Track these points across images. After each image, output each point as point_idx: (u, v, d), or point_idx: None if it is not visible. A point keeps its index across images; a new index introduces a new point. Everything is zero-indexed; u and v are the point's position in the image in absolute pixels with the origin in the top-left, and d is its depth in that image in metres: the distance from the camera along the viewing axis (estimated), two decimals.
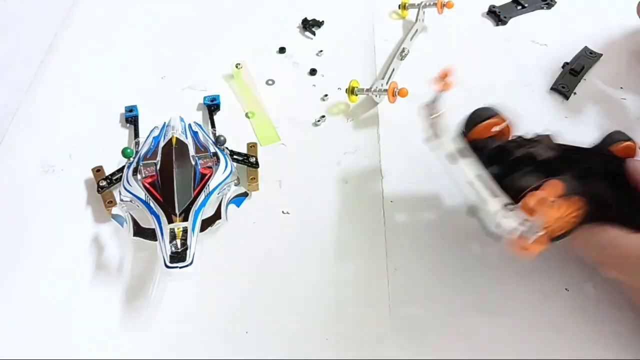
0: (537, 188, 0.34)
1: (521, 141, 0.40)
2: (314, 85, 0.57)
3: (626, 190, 0.40)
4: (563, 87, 0.56)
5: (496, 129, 0.41)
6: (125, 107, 0.54)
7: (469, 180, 0.37)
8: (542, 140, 0.41)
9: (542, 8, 0.66)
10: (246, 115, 0.54)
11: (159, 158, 0.45)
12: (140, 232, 0.41)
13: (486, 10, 0.65)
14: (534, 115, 0.48)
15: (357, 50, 0.60)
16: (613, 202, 0.38)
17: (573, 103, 0.55)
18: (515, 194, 0.35)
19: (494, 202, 0.35)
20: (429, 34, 0.63)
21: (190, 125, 0.49)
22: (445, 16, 0.63)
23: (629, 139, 0.45)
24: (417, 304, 0.42)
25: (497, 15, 0.64)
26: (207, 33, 0.62)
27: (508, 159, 0.38)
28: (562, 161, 0.39)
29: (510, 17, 0.64)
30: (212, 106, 0.54)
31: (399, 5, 0.63)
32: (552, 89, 0.57)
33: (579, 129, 0.53)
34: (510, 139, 0.42)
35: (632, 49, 0.60)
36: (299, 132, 0.53)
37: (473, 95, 0.47)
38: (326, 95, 0.55)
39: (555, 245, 0.36)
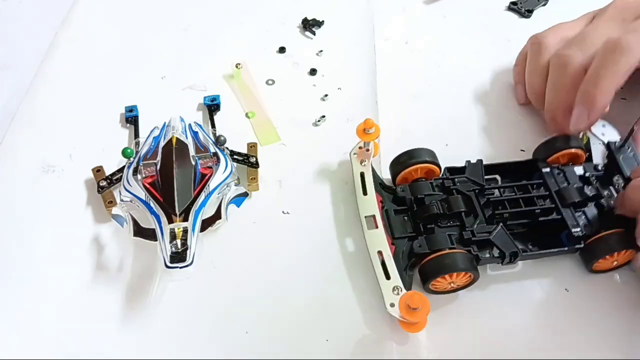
0: (436, 252, 0.40)
1: (442, 186, 0.44)
2: (314, 85, 0.57)
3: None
4: None
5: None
6: (125, 107, 0.54)
7: (372, 253, 0.41)
8: (472, 169, 0.45)
9: None
10: (246, 115, 0.54)
11: (159, 158, 0.45)
12: (140, 232, 0.41)
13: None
14: None
15: (357, 50, 0.60)
16: (518, 250, 0.41)
17: None
18: (424, 253, 0.41)
19: (385, 284, 0.39)
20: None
21: (190, 125, 0.49)
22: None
23: (577, 146, 0.45)
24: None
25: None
26: (207, 33, 0.62)
27: (422, 215, 0.43)
28: (471, 209, 0.43)
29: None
30: (212, 106, 0.54)
31: None
32: None
33: None
34: (441, 175, 0.46)
35: None
36: (299, 132, 0.53)
37: None
38: (326, 95, 0.55)
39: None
